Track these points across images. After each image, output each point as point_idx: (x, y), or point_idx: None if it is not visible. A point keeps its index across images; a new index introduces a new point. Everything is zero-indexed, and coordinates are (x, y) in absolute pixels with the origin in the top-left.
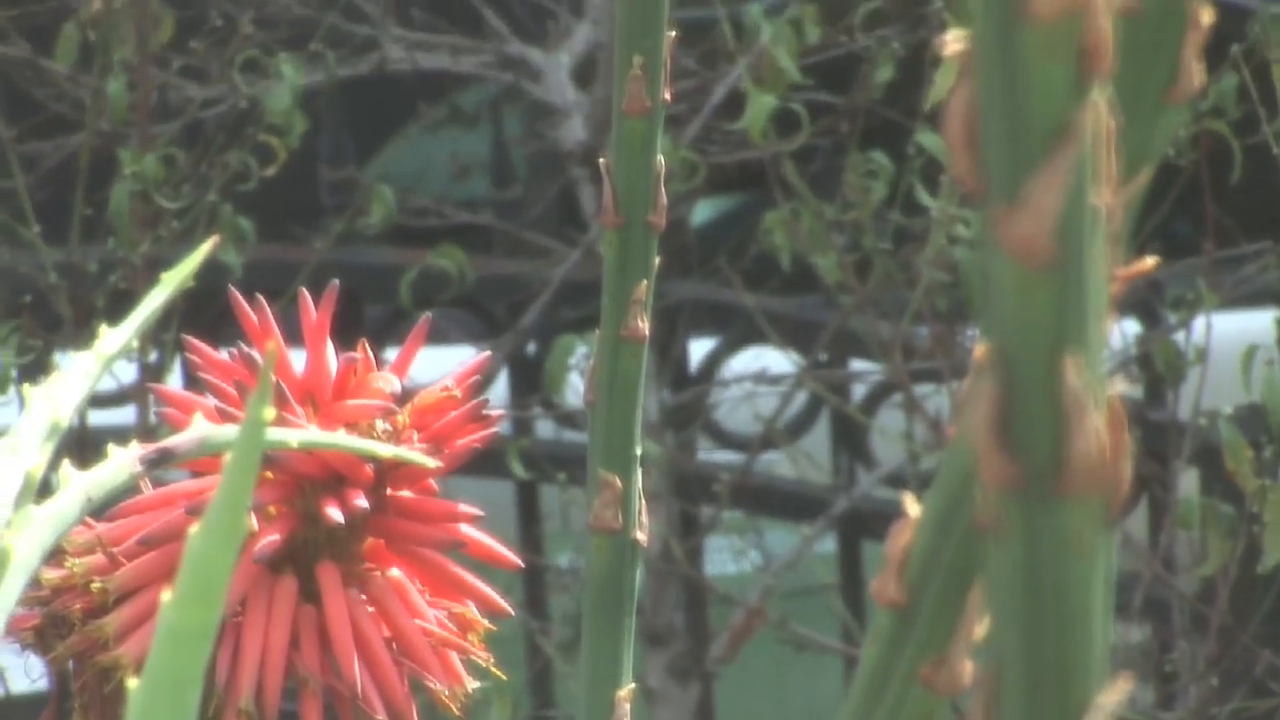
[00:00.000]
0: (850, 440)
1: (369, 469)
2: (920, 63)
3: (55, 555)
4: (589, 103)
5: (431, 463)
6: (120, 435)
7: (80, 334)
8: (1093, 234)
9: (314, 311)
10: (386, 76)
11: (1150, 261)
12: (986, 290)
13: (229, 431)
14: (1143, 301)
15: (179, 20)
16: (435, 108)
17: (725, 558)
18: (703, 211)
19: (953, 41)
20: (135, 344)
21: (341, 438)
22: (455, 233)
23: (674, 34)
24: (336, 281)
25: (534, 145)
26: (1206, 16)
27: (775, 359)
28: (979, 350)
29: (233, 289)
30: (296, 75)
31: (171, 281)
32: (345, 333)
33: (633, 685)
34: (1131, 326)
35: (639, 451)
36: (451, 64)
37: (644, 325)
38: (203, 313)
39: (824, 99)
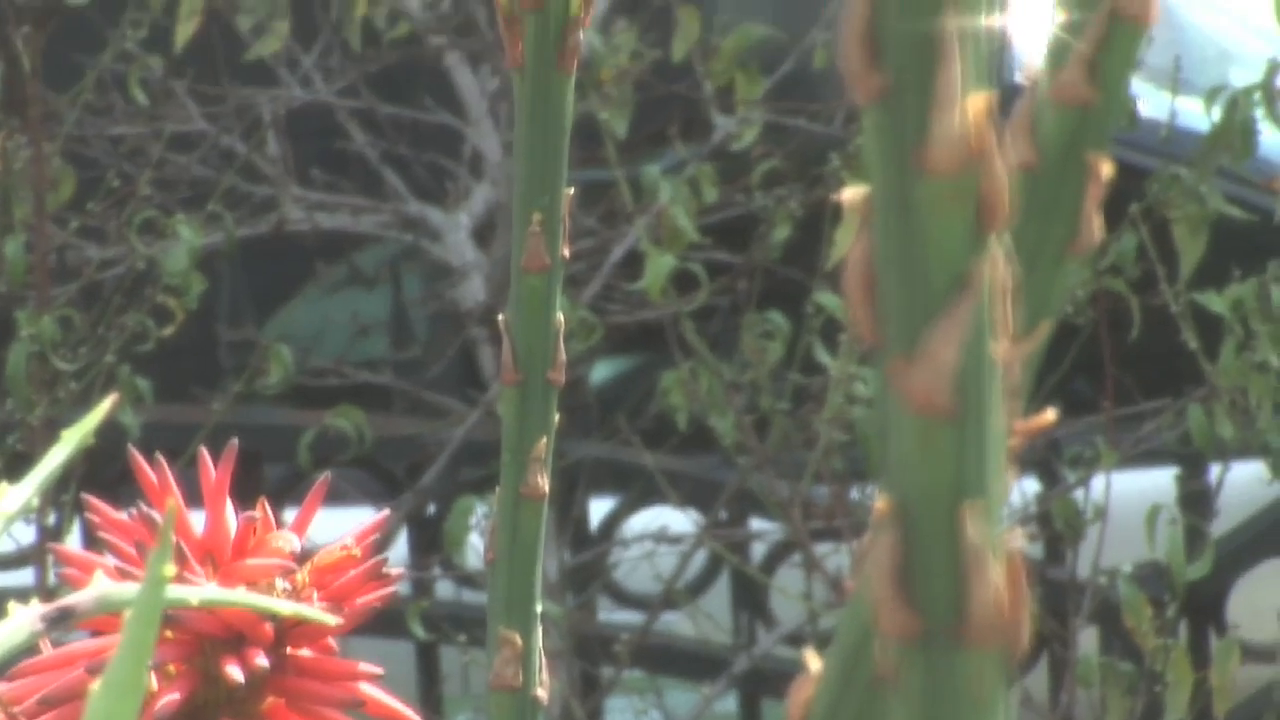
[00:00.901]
0: (750, 599)
1: (269, 628)
2: (818, 222)
3: None
4: (488, 262)
5: (331, 621)
6: (20, 597)
7: None
8: (992, 386)
9: (213, 471)
10: (286, 236)
11: (1050, 416)
12: (885, 442)
13: (129, 590)
14: (1042, 460)
15: (78, 180)
16: (334, 268)
17: (626, 718)
18: (602, 371)
19: (851, 194)
20: (34, 504)
21: (242, 595)
22: (355, 392)
23: (572, 192)
24: (235, 441)
25: (433, 305)
26: (1107, 169)
27: (675, 518)
28: (878, 504)
29: (132, 449)
30: (194, 236)
31: (71, 440)
32: (244, 492)
33: None
34: (1030, 485)
35: (539, 609)
36: (351, 224)
37: (544, 483)
38: (102, 473)
39: (722, 258)
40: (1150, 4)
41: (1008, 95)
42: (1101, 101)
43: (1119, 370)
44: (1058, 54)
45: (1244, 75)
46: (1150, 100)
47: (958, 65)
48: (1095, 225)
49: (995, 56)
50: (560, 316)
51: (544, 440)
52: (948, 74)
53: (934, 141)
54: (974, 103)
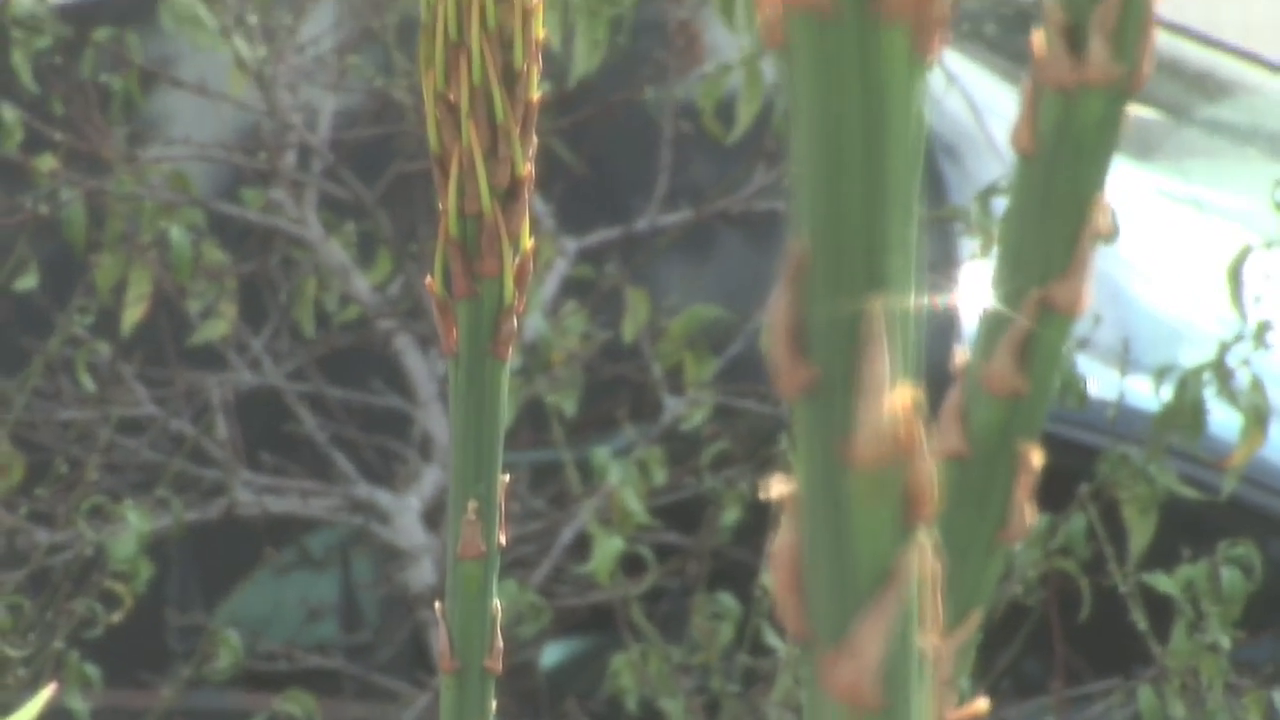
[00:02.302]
0: None
1: None
2: (767, 504)
3: None
4: (439, 545)
5: None
6: None
7: None
8: (920, 678)
9: None
10: (235, 520)
11: (984, 703)
12: None
13: None
14: None
15: (27, 465)
16: (284, 551)
17: None
18: (552, 654)
19: (779, 485)
20: None
21: None
22: (305, 676)
23: (509, 477)
24: None
25: (384, 588)
26: (1037, 459)
27: None
28: None
29: None
30: (142, 522)
31: None
32: None
33: None
34: None
35: None
36: (301, 507)
37: None
38: None
39: (672, 540)
40: (1080, 295)
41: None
42: (1032, 391)
43: (1069, 650)
44: (988, 342)
45: (1194, 354)
46: (1099, 379)
47: (884, 358)
48: (1027, 514)
49: (926, 344)
50: (498, 603)
51: None
52: (873, 367)
53: (860, 435)
54: (900, 395)
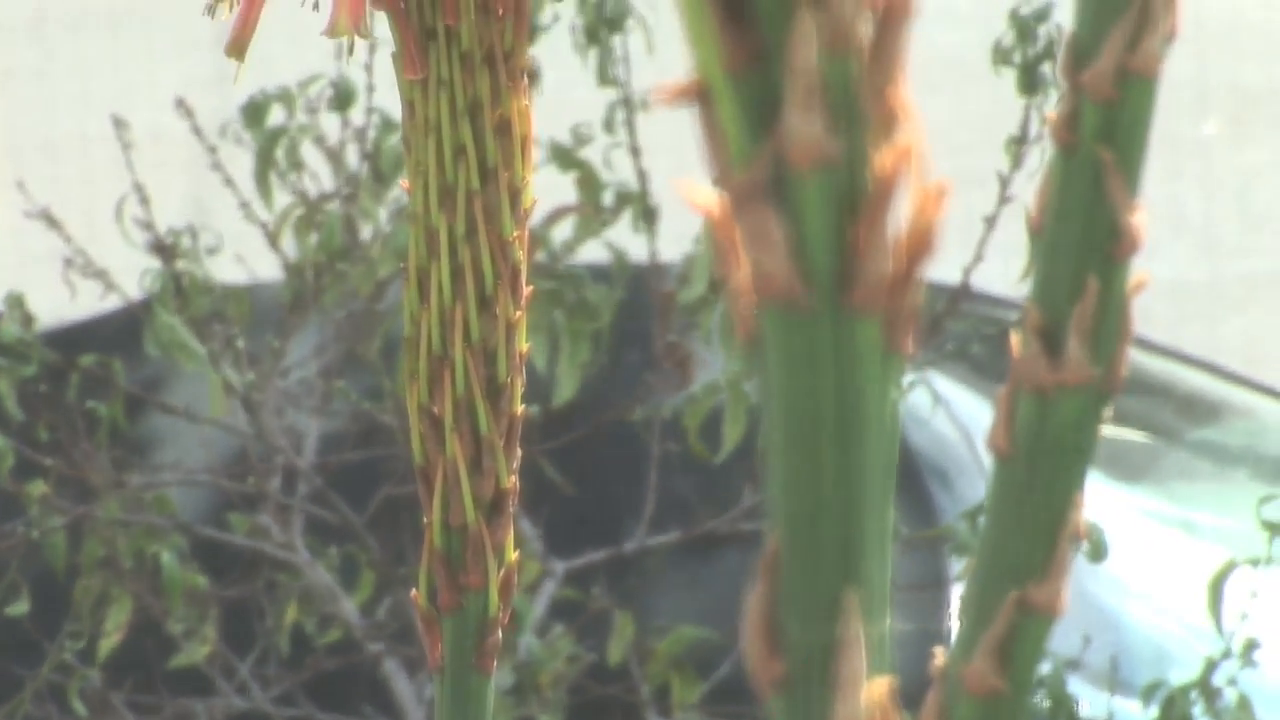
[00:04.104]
0: None
1: None
2: None
3: None
4: None
5: None
6: None
7: None
8: None
9: None
10: None
11: None
12: None
13: None
14: None
15: None
16: None
17: None
18: None
19: None
20: None
21: None
22: None
23: None
24: None
25: None
26: None
27: None
28: None
29: None
30: None
31: None
32: None
33: None
34: None
35: None
36: None
37: None
38: None
39: None
40: (1059, 596)
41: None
42: (1012, 691)
43: None
44: (968, 642)
45: (1182, 674)
46: (1089, 700)
47: (860, 652)
48: None
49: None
50: None
51: None
52: (849, 661)
53: None
54: (875, 689)
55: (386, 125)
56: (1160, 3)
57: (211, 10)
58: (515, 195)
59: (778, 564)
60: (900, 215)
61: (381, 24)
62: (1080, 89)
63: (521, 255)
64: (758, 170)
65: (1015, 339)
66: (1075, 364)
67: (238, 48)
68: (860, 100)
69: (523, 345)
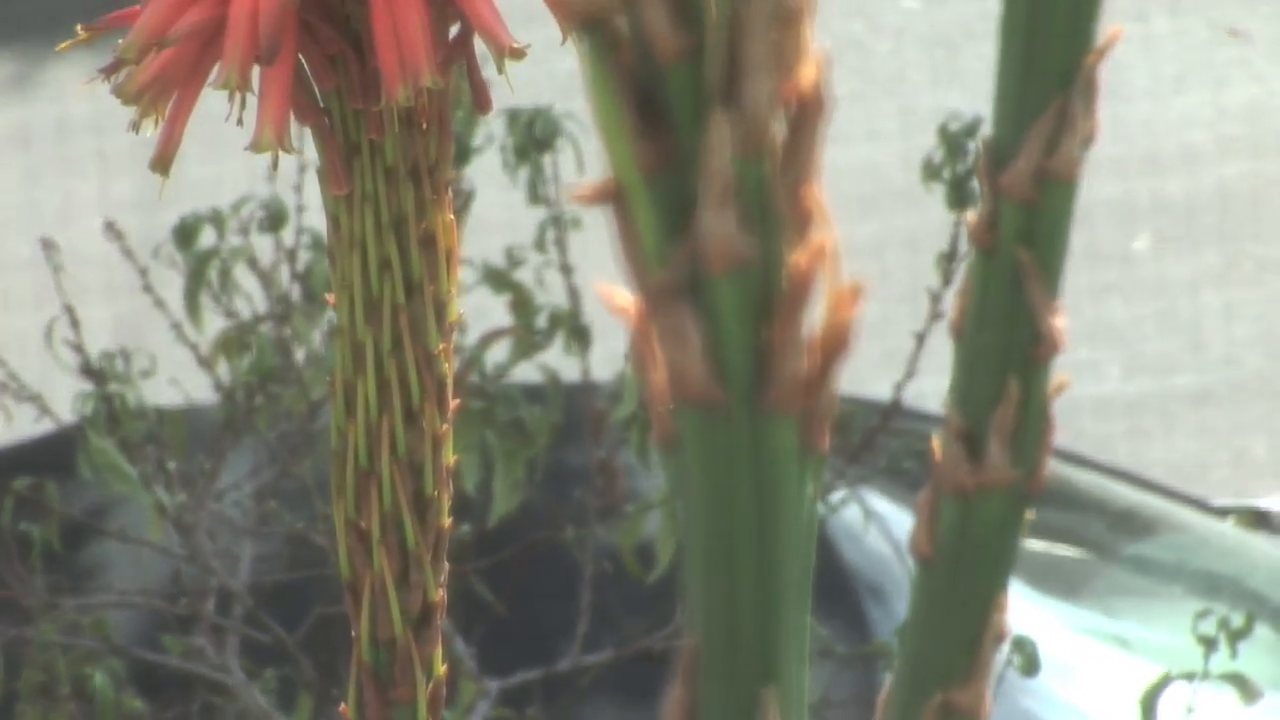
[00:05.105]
0: None
1: None
2: None
3: None
4: None
5: None
6: None
7: None
8: None
9: None
10: None
11: None
12: None
13: None
14: None
15: None
16: None
17: None
18: None
19: None
20: None
21: None
22: None
23: None
24: None
25: None
26: None
27: None
28: None
29: None
30: None
31: None
32: None
33: None
34: None
35: None
36: None
37: None
38: None
39: None
40: (983, 700)
41: None
42: None
43: None
44: None
45: None
46: None
47: None
48: None
49: None
50: None
51: None
52: None
53: None
54: None
55: (318, 245)
56: (1079, 106)
57: (136, 126)
58: (441, 308)
59: (696, 665)
60: (816, 315)
61: (308, 140)
62: (999, 191)
63: (448, 368)
64: (673, 271)
65: (936, 443)
66: (997, 466)
67: (163, 163)
68: (774, 200)
69: (449, 458)
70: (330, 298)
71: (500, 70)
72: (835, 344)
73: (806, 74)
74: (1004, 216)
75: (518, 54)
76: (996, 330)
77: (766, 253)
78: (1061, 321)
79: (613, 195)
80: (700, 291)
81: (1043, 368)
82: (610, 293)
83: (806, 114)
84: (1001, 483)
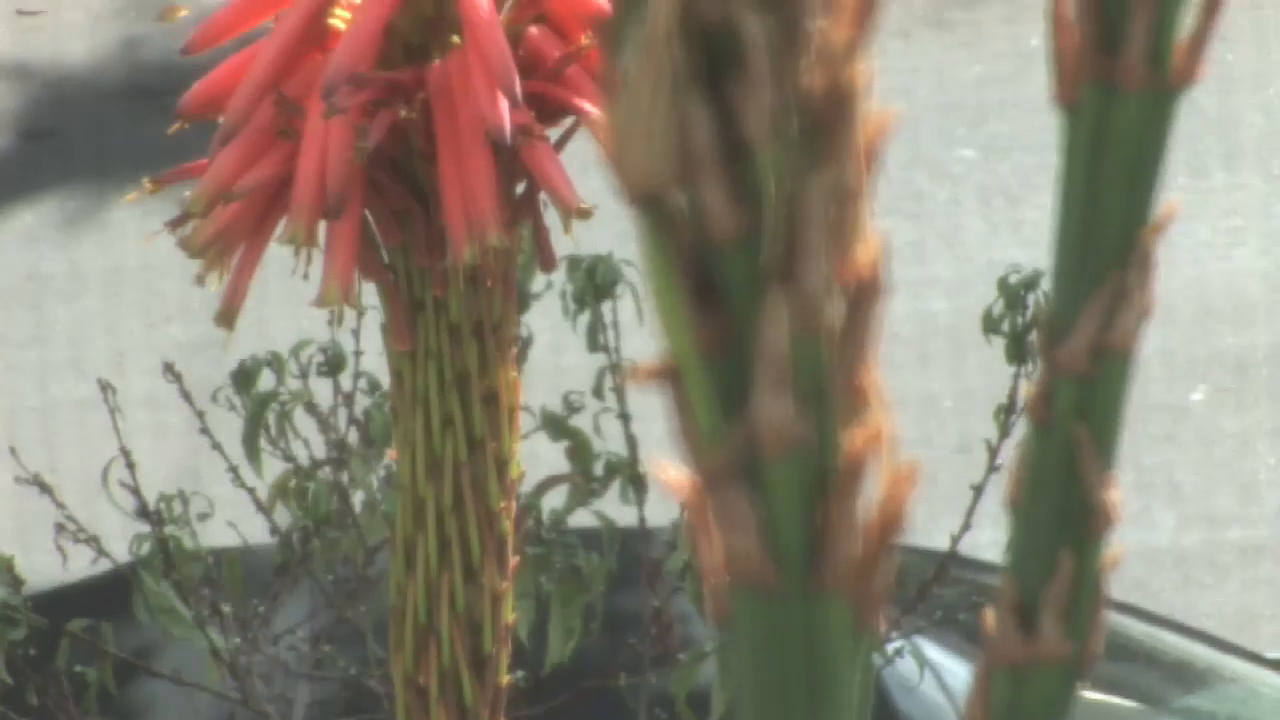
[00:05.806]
0: None
1: None
2: None
3: None
4: None
5: None
6: None
7: None
8: None
9: None
10: None
11: None
12: None
13: None
14: None
15: None
16: None
17: None
18: None
19: None
20: None
21: None
22: None
23: None
24: None
25: None
26: None
27: None
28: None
29: None
30: None
31: None
32: None
33: None
34: None
35: None
36: None
37: None
38: None
39: None
40: None
41: None
42: None
43: None
44: None
45: None
46: None
47: None
48: None
49: None
50: None
51: None
52: None
53: None
54: None
55: (375, 389)
56: (1135, 280)
57: (201, 280)
58: (502, 466)
59: None
60: (870, 495)
61: (370, 292)
62: (1056, 366)
63: (508, 526)
64: (729, 452)
65: (990, 616)
66: (1050, 640)
67: (228, 317)
68: (830, 382)
69: (509, 616)
70: (392, 452)
71: (567, 230)
72: (890, 525)
73: (864, 254)
74: (1059, 392)
75: (585, 214)
76: (1050, 504)
77: (822, 434)
78: (1116, 495)
79: (669, 375)
80: (755, 473)
81: (1096, 542)
82: (664, 469)
83: (864, 295)
84: (1054, 657)
